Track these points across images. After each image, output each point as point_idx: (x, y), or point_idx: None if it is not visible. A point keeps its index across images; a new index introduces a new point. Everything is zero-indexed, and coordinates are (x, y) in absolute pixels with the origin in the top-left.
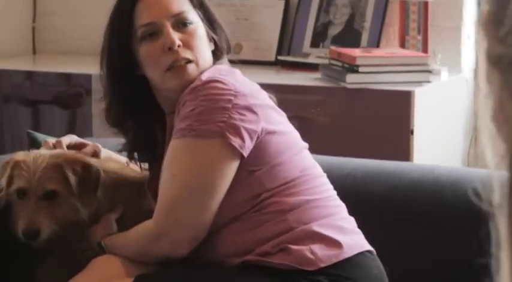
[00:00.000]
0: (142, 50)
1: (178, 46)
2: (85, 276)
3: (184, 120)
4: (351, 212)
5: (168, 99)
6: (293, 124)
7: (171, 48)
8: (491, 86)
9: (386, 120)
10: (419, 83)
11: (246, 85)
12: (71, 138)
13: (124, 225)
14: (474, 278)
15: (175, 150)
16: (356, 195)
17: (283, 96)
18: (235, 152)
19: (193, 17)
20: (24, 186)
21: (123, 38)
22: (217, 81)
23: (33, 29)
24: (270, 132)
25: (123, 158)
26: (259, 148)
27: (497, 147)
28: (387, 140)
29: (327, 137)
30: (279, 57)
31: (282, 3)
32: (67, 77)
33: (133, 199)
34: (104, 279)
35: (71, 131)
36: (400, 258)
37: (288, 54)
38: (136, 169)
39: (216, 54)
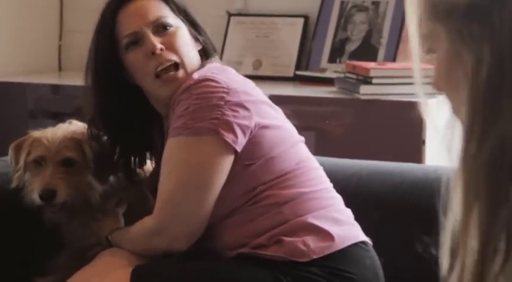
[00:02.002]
0: (128, 58)
1: (161, 50)
2: (91, 268)
3: (179, 119)
4: (355, 209)
5: (162, 102)
6: (310, 135)
7: (153, 53)
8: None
9: (400, 131)
10: (431, 94)
11: (239, 82)
12: None
13: (132, 222)
14: None
15: (171, 148)
16: (360, 193)
17: (300, 108)
18: (229, 148)
19: (173, 20)
20: (42, 153)
21: (108, 50)
22: (210, 79)
23: (60, 46)
24: (263, 127)
25: None
26: (254, 142)
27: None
28: (400, 149)
29: (341, 147)
30: (297, 72)
31: (301, 21)
32: None
33: (141, 197)
34: (108, 269)
35: None
36: (400, 253)
37: (306, 69)
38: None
39: (205, 54)
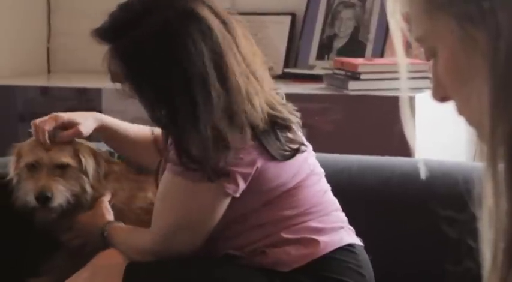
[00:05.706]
0: None
1: None
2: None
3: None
4: (345, 203)
5: None
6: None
7: None
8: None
9: (388, 126)
10: (419, 89)
11: None
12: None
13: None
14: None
15: (169, 185)
16: (351, 188)
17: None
18: (228, 195)
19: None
20: (36, 158)
21: None
22: None
23: (48, 49)
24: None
25: None
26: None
27: None
28: (389, 144)
29: (331, 143)
30: (285, 70)
31: (289, 19)
32: (79, 91)
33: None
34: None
35: None
36: (391, 248)
37: (295, 67)
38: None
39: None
